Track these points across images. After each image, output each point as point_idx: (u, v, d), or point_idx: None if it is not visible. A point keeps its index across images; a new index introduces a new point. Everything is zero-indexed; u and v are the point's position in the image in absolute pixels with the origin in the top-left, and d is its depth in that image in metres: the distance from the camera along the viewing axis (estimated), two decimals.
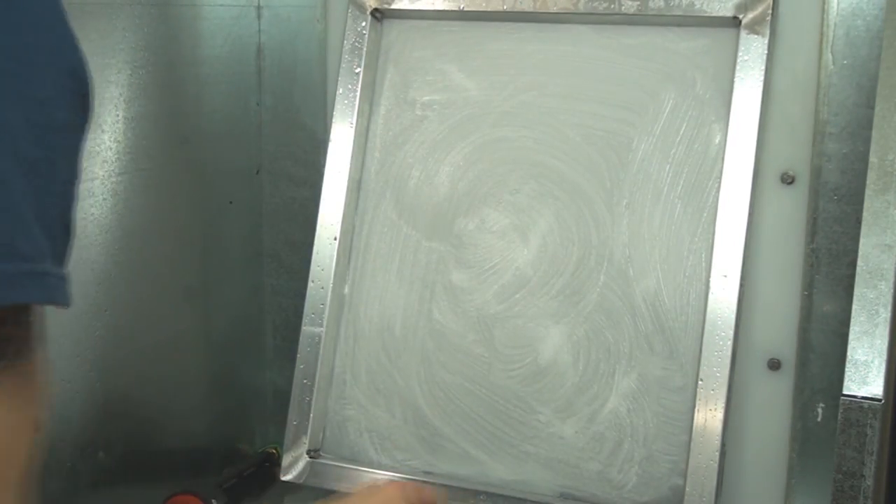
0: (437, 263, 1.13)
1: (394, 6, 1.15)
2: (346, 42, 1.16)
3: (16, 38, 0.44)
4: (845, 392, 0.79)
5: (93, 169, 1.02)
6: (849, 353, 0.80)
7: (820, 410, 1.05)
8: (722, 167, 1.02)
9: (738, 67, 1.02)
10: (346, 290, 1.16)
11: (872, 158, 0.86)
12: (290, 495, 1.22)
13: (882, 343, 0.80)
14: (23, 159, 0.44)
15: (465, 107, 1.13)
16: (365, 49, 1.15)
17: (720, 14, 1.03)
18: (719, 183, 1.02)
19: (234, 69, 1.22)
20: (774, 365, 1.07)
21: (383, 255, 1.15)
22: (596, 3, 1.07)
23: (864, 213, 0.84)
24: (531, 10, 1.09)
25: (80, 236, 1.01)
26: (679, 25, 1.06)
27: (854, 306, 0.82)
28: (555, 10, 1.08)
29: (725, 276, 1.01)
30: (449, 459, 1.11)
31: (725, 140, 1.02)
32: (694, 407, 1.01)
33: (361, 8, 1.15)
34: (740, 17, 1.02)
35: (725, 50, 1.04)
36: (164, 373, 1.14)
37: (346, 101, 1.15)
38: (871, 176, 0.86)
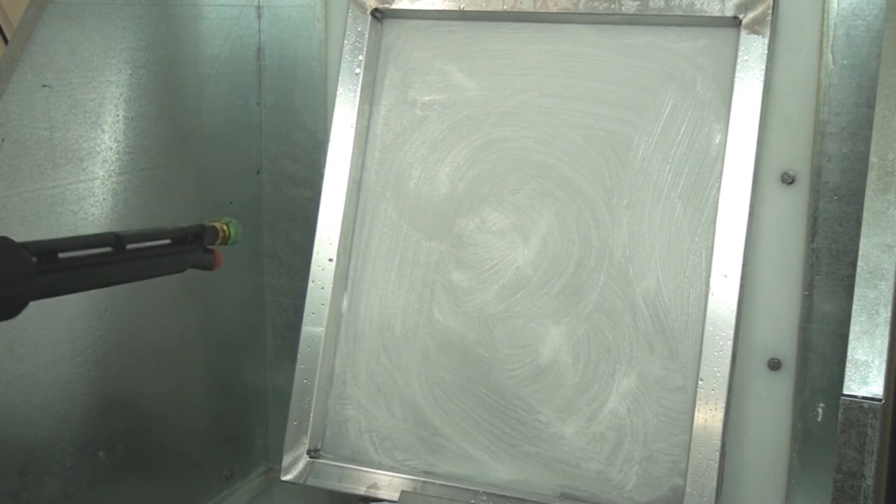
0: (438, 263, 1.13)
1: (394, 6, 1.15)
2: (346, 42, 1.16)
3: None
4: (845, 392, 0.79)
5: (93, 169, 1.02)
6: (849, 353, 0.80)
7: (820, 410, 1.05)
8: (722, 167, 1.02)
9: (738, 67, 1.02)
10: (347, 290, 1.16)
11: (872, 158, 0.86)
12: (290, 495, 1.22)
13: (882, 343, 0.80)
14: None
15: (465, 107, 1.13)
16: (365, 49, 1.15)
17: (720, 14, 1.03)
18: (719, 183, 1.02)
19: (234, 69, 1.22)
20: (774, 365, 1.07)
21: (383, 255, 1.15)
22: (596, 3, 1.07)
23: (865, 213, 0.84)
24: (531, 10, 1.09)
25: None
26: (679, 25, 1.06)
27: (854, 306, 0.82)
28: (555, 10, 1.08)
29: (725, 276, 1.01)
30: (449, 459, 1.11)
31: (725, 140, 1.02)
32: (694, 407, 1.01)
33: (362, 8, 1.15)
34: (740, 17, 1.02)
35: (725, 50, 1.04)
36: (164, 373, 1.14)
37: (346, 101, 1.15)
38: (872, 176, 0.86)
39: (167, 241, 0.87)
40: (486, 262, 1.12)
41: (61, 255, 0.74)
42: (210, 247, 0.94)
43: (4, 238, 0.69)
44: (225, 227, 0.95)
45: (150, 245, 0.85)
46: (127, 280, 0.84)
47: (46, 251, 0.72)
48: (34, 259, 0.71)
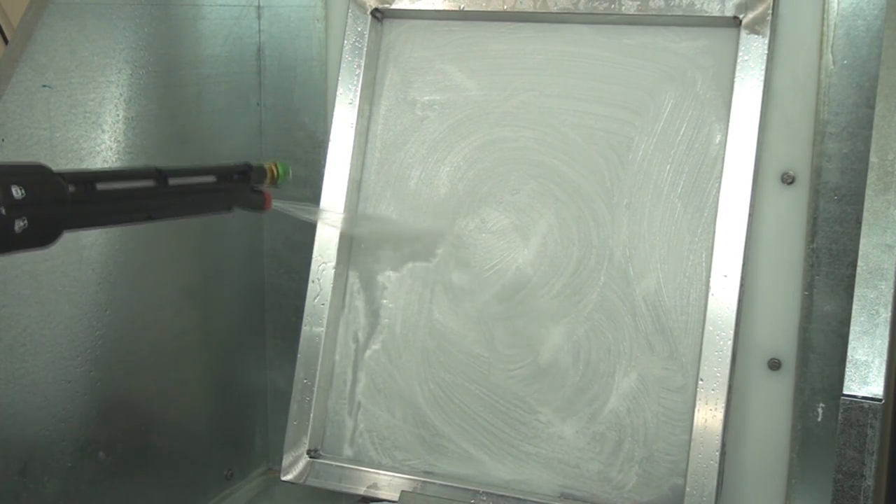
0: (438, 263, 1.13)
1: (394, 6, 1.15)
2: (346, 42, 1.16)
3: None
4: (845, 392, 0.79)
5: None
6: (849, 353, 0.80)
7: (820, 410, 1.05)
8: (722, 167, 1.02)
9: (738, 67, 1.02)
10: (346, 290, 1.16)
11: (872, 158, 0.86)
12: (290, 495, 1.22)
13: (882, 343, 0.80)
14: None
15: (465, 107, 1.13)
16: (365, 49, 1.15)
17: (720, 14, 1.03)
18: (719, 183, 1.02)
19: (234, 69, 1.22)
20: (774, 365, 1.07)
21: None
22: (596, 3, 1.07)
23: (865, 213, 0.84)
24: (531, 10, 1.09)
25: (80, 236, 1.01)
26: (679, 25, 1.06)
27: (854, 306, 0.82)
28: (555, 10, 1.08)
29: (725, 276, 1.01)
30: (449, 459, 1.11)
31: (725, 140, 1.02)
32: (694, 407, 1.01)
33: (362, 8, 1.15)
34: (740, 17, 1.02)
35: (725, 50, 1.04)
36: (164, 373, 1.14)
37: (346, 101, 1.15)
38: (871, 176, 0.86)
39: (212, 179, 0.87)
40: (486, 262, 1.12)
41: (100, 187, 0.74)
42: (258, 187, 0.93)
43: (39, 164, 0.70)
44: (273, 167, 0.95)
45: (194, 181, 0.84)
46: (170, 216, 0.84)
47: (83, 180, 0.73)
48: (70, 187, 0.71)
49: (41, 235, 0.69)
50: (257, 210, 0.93)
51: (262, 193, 0.93)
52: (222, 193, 0.89)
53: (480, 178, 1.12)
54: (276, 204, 0.95)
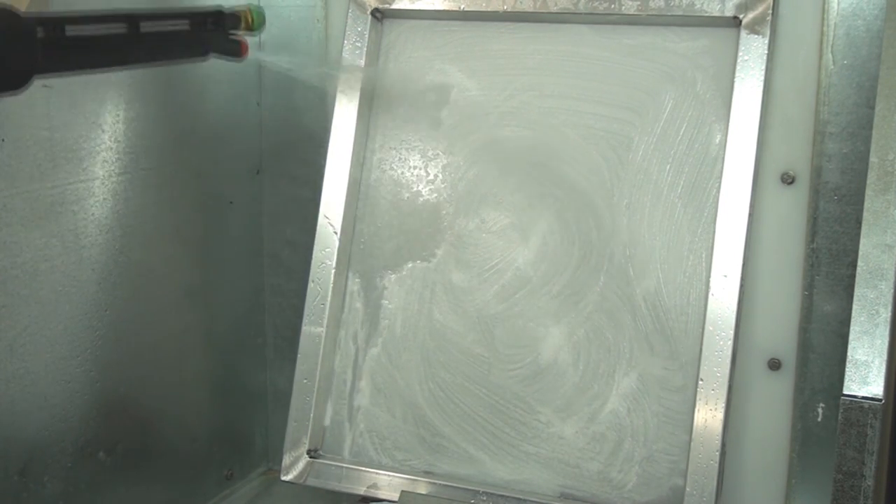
0: (438, 263, 1.13)
1: (394, 6, 1.15)
2: (346, 42, 1.16)
3: None
4: (845, 392, 0.79)
5: (93, 169, 1.02)
6: (849, 353, 0.80)
7: (820, 410, 1.05)
8: (722, 167, 1.02)
9: (738, 67, 1.02)
10: (346, 291, 1.16)
11: (872, 158, 0.86)
12: (290, 495, 1.22)
13: (882, 343, 0.80)
14: None
15: (465, 107, 1.13)
16: (365, 49, 1.15)
17: (720, 14, 1.03)
18: (719, 183, 1.02)
19: (234, 69, 1.21)
20: (774, 365, 1.07)
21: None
22: (596, 3, 1.07)
23: (865, 213, 0.84)
24: (531, 10, 1.09)
25: (80, 236, 1.01)
26: (679, 25, 1.06)
27: (854, 306, 0.82)
28: (555, 10, 1.08)
29: (725, 276, 1.01)
30: (449, 459, 1.11)
31: (725, 140, 1.02)
32: (694, 407, 1.01)
33: (362, 8, 1.15)
34: (740, 17, 1.02)
35: (725, 50, 1.04)
36: (164, 373, 1.14)
37: (346, 101, 1.15)
38: (872, 176, 0.86)
39: (185, 24, 0.86)
40: (486, 261, 1.12)
41: (69, 31, 0.73)
42: (234, 34, 0.92)
43: (5, 8, 0.69)
44: (248, 13, 0.93)
45: (167, 27, 0.83)
46: (143, 61, 0.83)
47: (52, 23, 0.72)
48: (39, 29, 0.70)
49: (11, 80, 0.68)
50: (234, 57, 0.92)
51: (238, 41, 0.92)
52: (197, 39, 0.88)
53: (480, 178, 1.12)
54: (266, 57, 0.94)
